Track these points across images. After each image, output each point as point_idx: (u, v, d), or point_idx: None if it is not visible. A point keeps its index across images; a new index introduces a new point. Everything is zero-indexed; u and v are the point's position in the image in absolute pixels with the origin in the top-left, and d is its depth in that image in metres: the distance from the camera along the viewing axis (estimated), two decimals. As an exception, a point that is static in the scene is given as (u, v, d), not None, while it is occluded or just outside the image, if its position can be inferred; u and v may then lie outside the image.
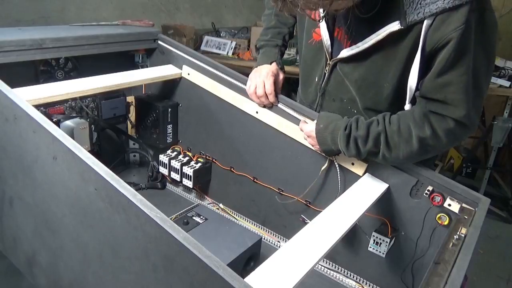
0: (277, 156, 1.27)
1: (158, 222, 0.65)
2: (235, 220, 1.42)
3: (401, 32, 0.92)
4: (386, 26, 0.93)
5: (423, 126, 0.94)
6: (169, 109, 1.46)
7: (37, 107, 0.92)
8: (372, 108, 1.08)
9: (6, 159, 0.95)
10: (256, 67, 1.26)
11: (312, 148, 1.14)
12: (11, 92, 0.87)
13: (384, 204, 1.09)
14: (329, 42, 1.08)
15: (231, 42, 3.15)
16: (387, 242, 1.08)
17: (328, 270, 1.23)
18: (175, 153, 1.49)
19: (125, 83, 1.28)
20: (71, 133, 1.26)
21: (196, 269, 0.63)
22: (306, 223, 1.14)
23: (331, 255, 1.22)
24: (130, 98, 1.53)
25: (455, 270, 0.77)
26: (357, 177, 1.11)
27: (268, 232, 1.36)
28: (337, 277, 1.21)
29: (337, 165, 1.12)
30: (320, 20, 1.04)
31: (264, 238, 1.33)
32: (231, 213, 1.45)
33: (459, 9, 0.85)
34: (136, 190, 0.78)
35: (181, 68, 1.42)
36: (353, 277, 1.20)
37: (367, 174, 1.10)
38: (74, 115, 1.31)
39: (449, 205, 1.02)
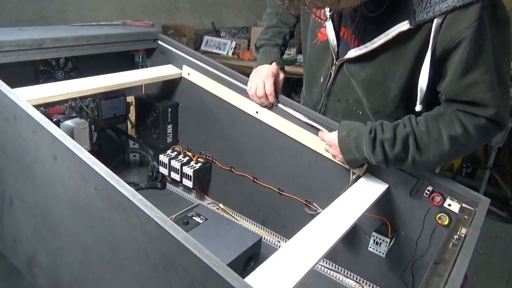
0: (277, 156, 1.27)
1: (158, 222, 0.65)
2: (235, 220, 1.42)
3: (409, 31, 0.91)
4: (395, 25, 0.92)
5: (453, 125, 0.91)
6: (169, 109, 1.46)
7: (37, 107, 0.92)
8: (378, 110, 1.07)
9: (6, 159, 0.95)
10: (256, 67, 1.26)
11: (335, 159, 1.09)
12: (11, 92, 0.87)
13: (384, 204, 1.09)
14: (335, 42, 1.07)
15: (231, 42, 3.15)
16: (387, 242, 1.08)
17: (328, 270, 1.23)
18: (175, 153, 1.49)
19: (125, 83, 1.28)
20: (71, 133, 1.25)
21: (196, 269, 0.63)
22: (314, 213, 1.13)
23: (331, 255, 1.22)
24: (130, 98, 1.53)
25: (455, 270, 0.77)
26: (357, 177, 1.11)
27: (268, 232, 1.36)
28: (337, 277, 1.21)
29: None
30: (327, 19, 1.02)
31: (264, 238, 1.33)
32: (231, 213, 1.45)
33: (470, 6, 0.84)
34: (136, 190, 0.78)
35: (181, 68, 1.42)
36: (353, 277, 1.20)
37: (367, 174, 1.10)
38: (74, 115, 1.31)
39: (449, 205, 1.02)
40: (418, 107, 0.98)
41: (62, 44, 1.22)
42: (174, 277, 0.68)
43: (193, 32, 3.14)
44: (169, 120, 1.47)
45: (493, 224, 2.77)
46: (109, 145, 1.53)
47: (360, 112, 1.11)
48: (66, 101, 1.28)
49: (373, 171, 1.09)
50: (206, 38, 3.24)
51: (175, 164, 1.44)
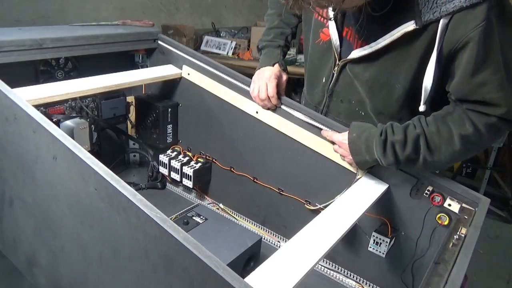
0: (277, 156, 1.27)
1: (158, 222, 0.65)
2: (235, 220, 1.42)
3: (415, 31, 0.90)
4: (400, 26, 0.91)
5: (463, 124, 0.91)
6: (169, 109, 1.46)
7: (37, 107, 0.92)
8: (381, 110, 1.06)
9: (6, 159, 0.95)
10: (259, 68, 1.26)
11: (344, 160, 1.09)
12: (11, 92, 0.87)
13: (384, 204, 1.09)
14: (338, 42, 1.06)
15: (231, 42, 3.15)
16: (387, 242, 1.08)
17: (328, 270, 1.23)
18: (175, 153, 1.49)
19: (125, 83, 1.28)
20: (71, 133, 1.25)
21: (196, 269, 0.63)
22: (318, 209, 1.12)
23: (331, 255, 1.22)
24: (130, 98, 1.53)
25: (455, 270, 0.77)
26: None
27: (268, 232, 1.36)
28: (337, 277, 1.21)
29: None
30: (331, 19, 1.02)
31: (264, 238, 1.33)
32: (231, 213, 1.45)
33: (477, 6, 0.83)
34: (136, 190, 0.78)
35: (181, 68, 1.42)
36: (353, 277, 1.20)
37: (367, 174, 1.10)
38: (74, 115, 1.31)
39: (449, 205, 1.02)
40: (421, 107, 0.98)
41: (62, 44, 1.22)
42: (174, 277, 0.68)
43: (193, 32, 3.14)
44: (169, 120, 1.47)
45: (493, 224, 2.77)
46: (109, 145, 1.53)
47: (363, 113, 1.11)
48: (66, 101, 1.28)
49: (373, 171, 1.09)
50: (206, 38, 3.24)
51: (175, 164, 1.44)
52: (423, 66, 0.94)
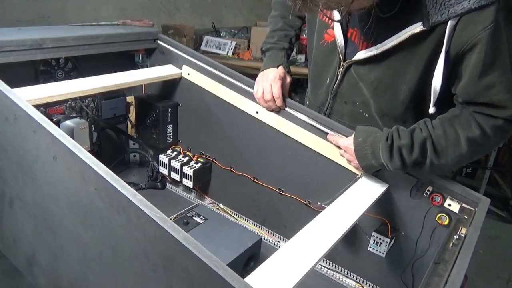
0: (277, 156, 1.27)
1: (158, 222, 0.65)
2: (235, 220, 1.42)
3: (422, 33, 0.90)
4: (408, 27, 0.91)
5: (470, 127, 0.91)
6: (169, 109, 1.46)
7: (37, 107, 0.92)
8: (386, 112, 1.06)
9: (6, 159, 0.95)
10: (263, 70, 1.25)
11: (350, 165, 1.08)
12: (11, 92, 0.87)
13: (384, 204, 1.09)
14: (343, 44, 1.06)
15: (231, 42, 3.15)
16: (387, 242, 1.08)
17: (328, 270, 1.23)
18: (175, 153, 1.49)
19: (125, 83, 1.28)
20: (71, 133, 1.25)
21: (196, 269, 0.63)
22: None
23: (331, 255, 1.22)
24: (130, 98, 1.53)
25: (455, 270, 0.77)
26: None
27: (268, 232, 1.36)
28: (337, 277, 1.21)
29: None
30: (339, 20, 1.01)
31: (264, 238, 1.33)
32: (231, 213, 1.45)
33: (486, 8, 0.83)
34: (136, 190, 0.78)
35: (181, 68, 1.42)
36: (353, 277, 1.20)
37: (367, 174, 1.10)
38: (74, 115, 1.31)
39: (449, 205, 1.02)
40: (431, 109, 0.97)
41: (62, 44, 1.22)
42: (174, 277, 0.68)
43: (193, 32, 3.14)
44: (169, 120, 1.47)
45: (493, 224, 2.77)
46: (109, 145, 1.53)
47: (367, 115, 1.10)
48: (66, 101, 1.28)
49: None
50: (206, 38, 3.24)
51: (175, 164, 1.44)
52: (429, 68, 0.93)
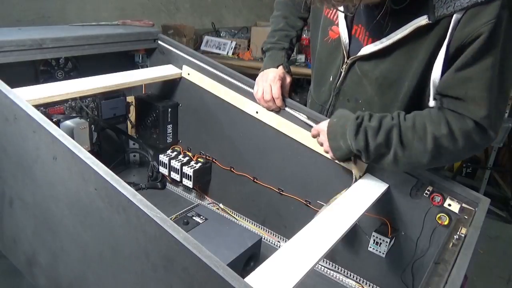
0: (277, 156, 1.27)
1: (158, 222, 0.65)
2: (235, 220, 1.42)
3: (427, 26, 0.90)
4: (413, 20, 0.91)
5: (439, 124, 0.90)
6: (169, 109, 1.46)
7: (37, 107, 0.92)
8: (388, 110, 1.04)
9: (6, 159, 0.95)
10: (263, 70, 1.25)
11: (327, 155, 1.08)
12: (11, 92, 0.87)
13: (384, 204, 1.09)
14: (347, 40, 1.06)
15: (231, 42, 3.15)
16: (387, 242, 1.08)
17: (328, 270, 1.23)
18: (175, 153, 1.49)
19: (125, 83, 1.28)
20: (71, 133, 1.26)
21: (196, 269, 0.63)
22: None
23: (331, 255, 1.22)
24: (130, 98, 1.53)
25: (455, 270, 0.77)
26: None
27: (268, 232, 1.36)
28: (337, 277, 1.21)
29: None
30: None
31: (264, 238, 1.33)
32: (231, 213, 1.45)
33: (491, 3, 0.83)
34: (136, 190, 0.78)
35: (181, 68, 1.42)
36: (353, 277, 1.20)
37: (367, 174, 1.10)
38: (74, 115, 1.31)
39: (449, 205, 1.02)
40: (432, 103, 0.96)
41: (62, 44, 1.22)
42: (174, 277, 0.68)
43: (193, 32, 3.14)
44: (169, 120, 1.47)
45: (493, 224, 2.77)
46: (109, 145, 1.53)
47: None
48: (66, 101, 1.29)
49: (373, 171, 1.09)
50: (206, 38, 3.24)
51: (175, 164, 1.44)
52: (431, 62, 0.93)
